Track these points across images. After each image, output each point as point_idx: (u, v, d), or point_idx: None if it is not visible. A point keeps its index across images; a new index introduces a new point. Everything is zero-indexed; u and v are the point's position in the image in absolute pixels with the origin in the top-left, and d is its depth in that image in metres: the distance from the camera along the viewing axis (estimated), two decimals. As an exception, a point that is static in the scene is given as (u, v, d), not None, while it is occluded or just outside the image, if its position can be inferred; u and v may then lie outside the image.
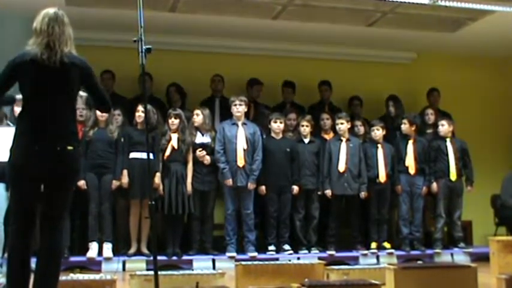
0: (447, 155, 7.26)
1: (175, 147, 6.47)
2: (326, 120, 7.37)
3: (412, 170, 7.19)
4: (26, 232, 3.25)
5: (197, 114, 6.71)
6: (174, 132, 6.53)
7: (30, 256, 3.28)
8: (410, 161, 7.20)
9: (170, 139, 6.49)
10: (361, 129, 7.40)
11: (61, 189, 3.30)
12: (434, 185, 7.23)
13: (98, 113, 6.29)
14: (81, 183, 6.16)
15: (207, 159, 6.62)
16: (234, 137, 6.68)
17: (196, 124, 6.70)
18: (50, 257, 3.26)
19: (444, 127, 7.31)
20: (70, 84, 3.31)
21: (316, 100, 8.09)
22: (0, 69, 3.31)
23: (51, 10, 3.34)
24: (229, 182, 6.58)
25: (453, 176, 7.22)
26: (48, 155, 3.20)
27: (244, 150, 6.67)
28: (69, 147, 3.25)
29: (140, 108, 6.36)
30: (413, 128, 7.28)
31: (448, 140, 7.31)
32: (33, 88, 3.25)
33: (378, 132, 7.16)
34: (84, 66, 3.36)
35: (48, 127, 3.23)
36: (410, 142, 7.25)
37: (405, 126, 7.26)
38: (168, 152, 6.46)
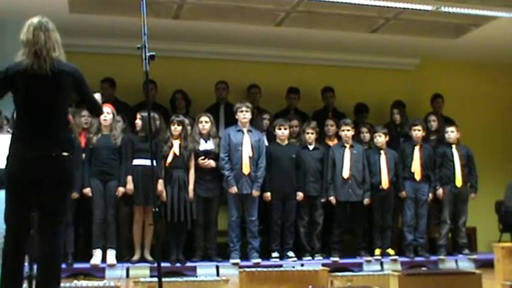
0: (453, 161, 7.24)
1: (177, 153, 6.47)
2: (330, 127, 7.37)
3: (418, 176, 7.17)
4: (20, 240, 3.27)
5: (206, 122, 6.71)
6: (176, 138, 6.53)
7: (23, 263, 3.31)
8: (416, 167, 7.18)
9: (172, 146, 6.50)
10: (366, 136, 7.39)
11: (58, 195, 3.32)
12: (441, 191, 7.21)
13: (102, 118, 6.32)
14: (87, 190, 6.18)
15: (211, 163, 6.62)
16: (240, 144, 6.67)
17: (204, 131, 6.70)
18: (49, 262, 3.27)
19: (453, 134, 7.28)
20: (62, 92, 3.34)
21: (320, 107, 8.09)
22: None
23: (35, 19, 3.38)
24: (234, 189, 6.57)
25: (459, 182, 7.21)
26: (43, 162, 3.22)
27: (249, 157, 6.66)
28: (64, 154, 3.29)
29: (138, 115, 6.40)
30: (424, 134, 7.29)
31: (453, 146, 7.30)
32: (27, 98, 3.29)
33: (380, 139, 7.15)
34: (75, 74, 3.39)
35: (42, 135, 3.26)
36: (417, 148, 7.23)
37: (419, 133, 7.23)
38: (170, 159, 6.46)
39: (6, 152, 3.29)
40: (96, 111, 3.65)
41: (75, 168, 3.42)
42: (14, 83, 3.28)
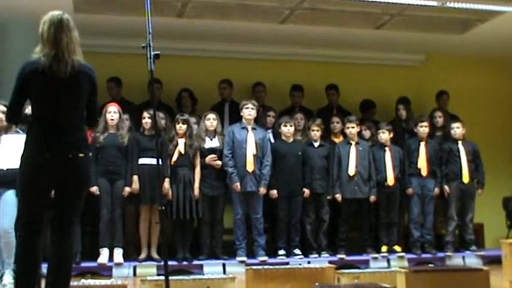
0: (459, 157, 7.22)
1: (182, 152, 6.47)
2: (336, 124, 7.36)
3: (424, 172, 7.15)
4: (33, 239, 3.25)
5: (214, 119, 6.71)
6: (181, 137, 6.54)
7: (37, 262, 3.28)
8: (422, 163, 7.16)
9: (177, 144, 6.50)
10: (365, 134, 7.37)
11: (73, 196, 3.32)
12: (447, 188, 7.19)
13: (108, 117, 6.31)
14: (94, 189, 6.16)
15: (218, 163, 6.62)
16: (244, 141, 6.67)
17: (212, 128, 6.70)
18: (60, 263, 3.27)
19: (459, 130, 7.26)
20: (79, 93, 3.31)
21: (325, 104, 8.08)
22: (9, 77, 3.32)
23: (55, 15, 3.31)
24: (238, 186, 6.57)
25: (466, 178, 7.18)
26: (60, 164, 3.20)
27: (253, 155, 6.65)
28: (81, 155, 3.26)
29: (146, 114, 6.40)
30: (429, 130, 7.27)
31: (460, 142, 7.28)
32: (43, 97, 3.25)
33: (384, 135, 7.13)
34: (92, 76, 3.37)
35: (59, 136, 3.22)
36: (423, 144, 7.22)
37: (426, 129, 7.22)
38: (175, 157, 6.47)
39: (21, 152, 3.26)
40: (94, 119, 3.56)
41: (90, 168, 3.40)
42: (31, 82, 3.22)
